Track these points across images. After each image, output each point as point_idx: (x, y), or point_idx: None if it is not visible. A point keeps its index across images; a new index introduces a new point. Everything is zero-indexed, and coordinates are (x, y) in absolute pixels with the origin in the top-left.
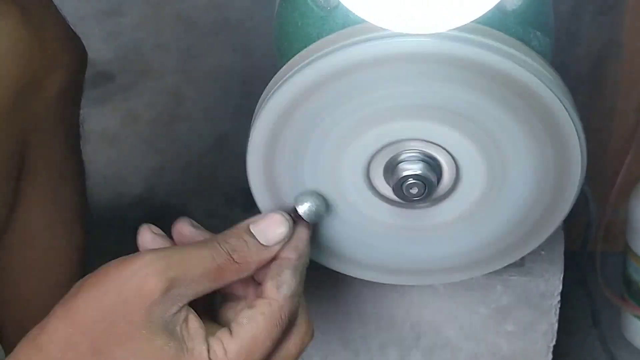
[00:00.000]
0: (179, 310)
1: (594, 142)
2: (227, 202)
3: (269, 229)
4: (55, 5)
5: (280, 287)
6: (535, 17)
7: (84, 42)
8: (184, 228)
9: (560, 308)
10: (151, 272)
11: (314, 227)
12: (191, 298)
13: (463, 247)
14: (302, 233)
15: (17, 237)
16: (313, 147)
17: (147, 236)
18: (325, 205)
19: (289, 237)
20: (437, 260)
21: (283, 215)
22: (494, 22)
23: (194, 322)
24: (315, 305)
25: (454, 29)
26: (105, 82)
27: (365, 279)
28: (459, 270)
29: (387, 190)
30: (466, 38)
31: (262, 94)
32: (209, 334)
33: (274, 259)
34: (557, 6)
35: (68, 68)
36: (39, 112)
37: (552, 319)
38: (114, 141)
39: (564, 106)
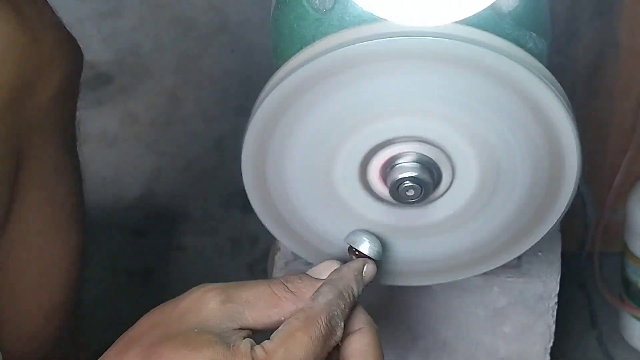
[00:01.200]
0: (235, 331)
1: (591, 143)
2: (225, 203)
3: (323, 270)
4: (50, 7)
5: (316, 298)
6: (531, 19)
7: (82, 44)
8: None
9: (559, 309)
10: (209, 287)
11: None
12: (247, 323)
13: (458, 247)
14: (353, 262)
15: (13, 239)
16: (304, 147)
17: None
18: (381, 243)
19: None
20: (433, 260)
21: (335, 261)
22: (490, 23)
23: (245, 343)
24: None
25: (450, 29)
26: (103, 84)
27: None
28: (457, 270)
29: (382, 191)
30: (462, 37)
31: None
32: None
33: None
34: (554, 7)
35: (63, 70)
36: (34, 114)
37: (550, 320)
38: (113, 143)
39: (559, 107)
